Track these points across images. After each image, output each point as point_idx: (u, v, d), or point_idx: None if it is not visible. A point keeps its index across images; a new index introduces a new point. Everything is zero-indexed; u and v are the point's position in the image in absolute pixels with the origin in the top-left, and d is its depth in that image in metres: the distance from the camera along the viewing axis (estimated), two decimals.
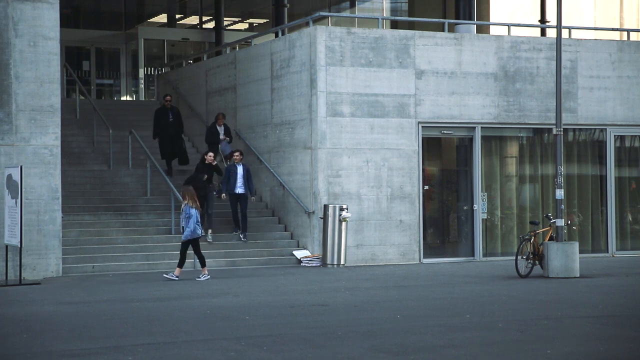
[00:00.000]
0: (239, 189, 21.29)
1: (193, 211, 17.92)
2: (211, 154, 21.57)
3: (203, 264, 18.25)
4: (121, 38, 35.16)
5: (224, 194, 21.24)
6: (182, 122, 24.57)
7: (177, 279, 17.98)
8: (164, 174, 22.47)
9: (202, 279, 18.00)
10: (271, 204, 23.09)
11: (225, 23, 35.74)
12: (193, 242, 18.15)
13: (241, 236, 21.34)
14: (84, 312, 13.93)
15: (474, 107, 22.38)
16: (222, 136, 23.36)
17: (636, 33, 34.06)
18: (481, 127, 22.55)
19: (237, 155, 21.50)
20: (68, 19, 32.88)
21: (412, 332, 11.85)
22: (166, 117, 24.16)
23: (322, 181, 21.18)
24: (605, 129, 23.67)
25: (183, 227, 18.28)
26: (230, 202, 21.46)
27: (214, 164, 21.64)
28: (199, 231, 18.19)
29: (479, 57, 22.46)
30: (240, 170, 21.35)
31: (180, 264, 18.17)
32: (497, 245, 22.88)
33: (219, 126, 23.47)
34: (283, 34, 23.65)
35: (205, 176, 21.19)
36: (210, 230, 21.19)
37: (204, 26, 36.95)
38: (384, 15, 36.84)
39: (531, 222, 20.14)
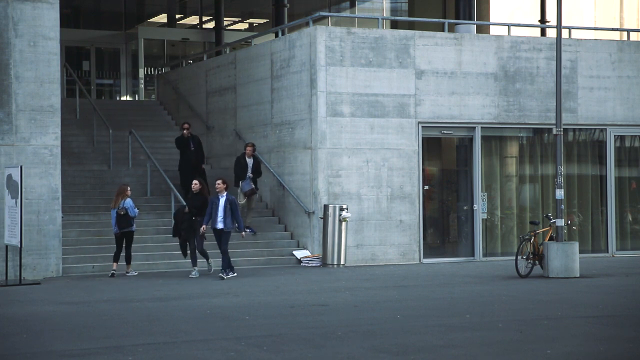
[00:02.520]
0: (219, 224, 18.19)
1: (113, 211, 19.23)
2: (195, 181, 19.11)
3: (114, 259, 19.27)
4: (121, 38, 35.15)
5: (203, 227, 18.33)
6: (203, 152, 23.50)
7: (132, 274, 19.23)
8: (164, 173, 22.44)
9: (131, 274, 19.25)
10: (271, 204, 23.09)
11: (225, 23, 35.74)
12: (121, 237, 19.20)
13: (222, 274, 18.24)
14: (84, 312, 13.93)
15: (474, 107, 22.38)
16: (249, 174, 21.71)
17: (636, 33, 34.05)
18: (481, 127, 22.55)
19: (218, 184, 18.52)
20: (68, 19, 32.87)
21: (412, 332, 11.85)
22: (187, 147, 22.99)
23: (322, 181, 21.18)
24: (605, 129, 23.67)
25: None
26: (215, 237, 18.64)
27: (218, 192, 19.46)
28: (114, 229, 19.12)
29: (479, 57, 22.46)
30: (221, 202, 18.26)
31: (128, 261, 19.39)
32: (497, 245, 22.87)
33: (248, 157, 21.90)
34: (283, 34, 23.65)
35: (186, 208, 19.00)
36: (195, 267, 18.93)
37: (204, 26, 36.94)
38: (384, 15, 36.84)
39: (531, 222, 20.14)
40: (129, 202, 19.00)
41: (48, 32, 19.08)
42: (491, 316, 13.19)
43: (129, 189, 19.33)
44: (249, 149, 22.02)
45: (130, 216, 18.93)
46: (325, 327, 12.20)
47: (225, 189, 18.49)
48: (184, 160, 23.06)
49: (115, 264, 19.11)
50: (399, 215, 21.68)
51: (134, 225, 19.25)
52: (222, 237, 18.35)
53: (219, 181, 18.51)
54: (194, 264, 18.97)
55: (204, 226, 18.37)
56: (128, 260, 19.20)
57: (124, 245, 19.12)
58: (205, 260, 19.14)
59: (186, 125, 23.33)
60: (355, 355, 10.37)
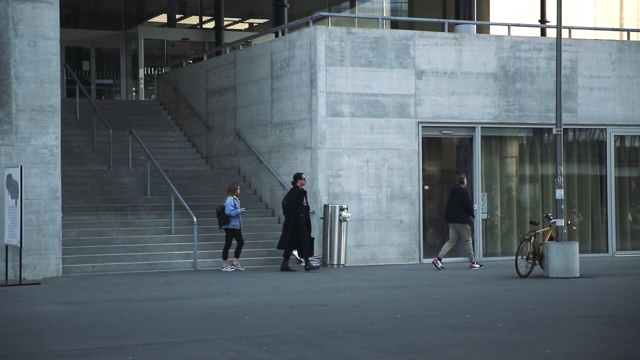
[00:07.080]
0: None
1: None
2: None
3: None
4: (121, 38, 35.15)
5: None
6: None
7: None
8: (164, 173, 22.42)
9: None
10: (271, 204, 23.09)
11: (225, 23, 35.74)
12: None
13: None
14: (84, 312, 13.93)
15: (474, 107, 22.38)
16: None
17: (636, 33, 34.05)
18: (481, 127, 22.55)
19: None
20: (68, 19, 32.85)
21: (412, 332, 11.85)
22: (302, 201, 20.01)
23: (322, 181, 21.18)
24: (605, 129, 23.67)
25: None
26: None
27: None
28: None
29: (479, 57, 22.46)
30: None
31: (225, 255, 20.10)
32: (497, 245, 22.87)
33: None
34: (283, 34, 23.65)
35: None
36: None
37: (204, 26, 36.94)
38: (384, 15, 36.84)
39: (531, 222, 20.13)
40: (228, 200, 19.89)
41: (48, 32, 19.08)
42: (491, 316, 13.19)
43: (238, 188, 20.33)
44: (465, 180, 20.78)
45: (226, 214, 19.85)
46: (325, 327, 12.19)
47: None
48: (298, 216, 20.02)
49: (224, 261, 19.99)
50: (399, 215, 21.68)
51: (232, 223, 19.91)
52: None
53: None
54: None
55: None
56: (225, 254, 20.01)
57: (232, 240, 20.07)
58: None
59: (305, 176, 20.45)
60: (355, 355, 10.37)
